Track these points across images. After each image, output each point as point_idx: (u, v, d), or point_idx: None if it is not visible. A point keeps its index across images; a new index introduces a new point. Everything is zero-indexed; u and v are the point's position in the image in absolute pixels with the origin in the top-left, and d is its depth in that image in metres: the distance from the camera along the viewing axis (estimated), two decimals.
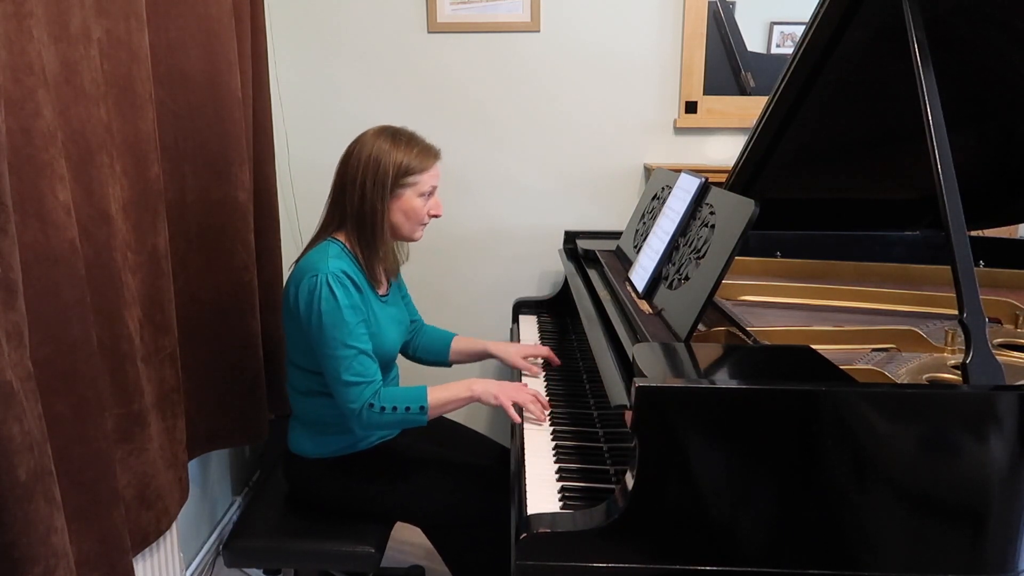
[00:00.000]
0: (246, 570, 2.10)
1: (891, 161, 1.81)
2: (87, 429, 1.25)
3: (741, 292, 1.71)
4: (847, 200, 1.97)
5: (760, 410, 1.02)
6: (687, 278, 1.38)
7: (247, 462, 2.44)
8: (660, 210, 1.73)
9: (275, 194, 2.16)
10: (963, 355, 1.05)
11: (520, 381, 1.74)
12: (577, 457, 1.40)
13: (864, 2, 1.38)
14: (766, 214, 1.27)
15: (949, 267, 1.10)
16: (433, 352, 1.91)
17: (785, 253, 1.92)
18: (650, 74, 2.45)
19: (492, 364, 1.90)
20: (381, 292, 1.67)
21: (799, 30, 2.30)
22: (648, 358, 1.15)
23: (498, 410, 1.58)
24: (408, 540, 2.27)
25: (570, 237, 2.31)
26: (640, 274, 1.61)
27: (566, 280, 2.13)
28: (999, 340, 1.39)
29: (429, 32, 2.43)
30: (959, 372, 1.09)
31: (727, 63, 2.45)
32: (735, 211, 1.31)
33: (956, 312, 1.08)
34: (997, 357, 1.04)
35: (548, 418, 1.56)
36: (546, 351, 1.86)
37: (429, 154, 1.59)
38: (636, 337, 1.34)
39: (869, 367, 1.25)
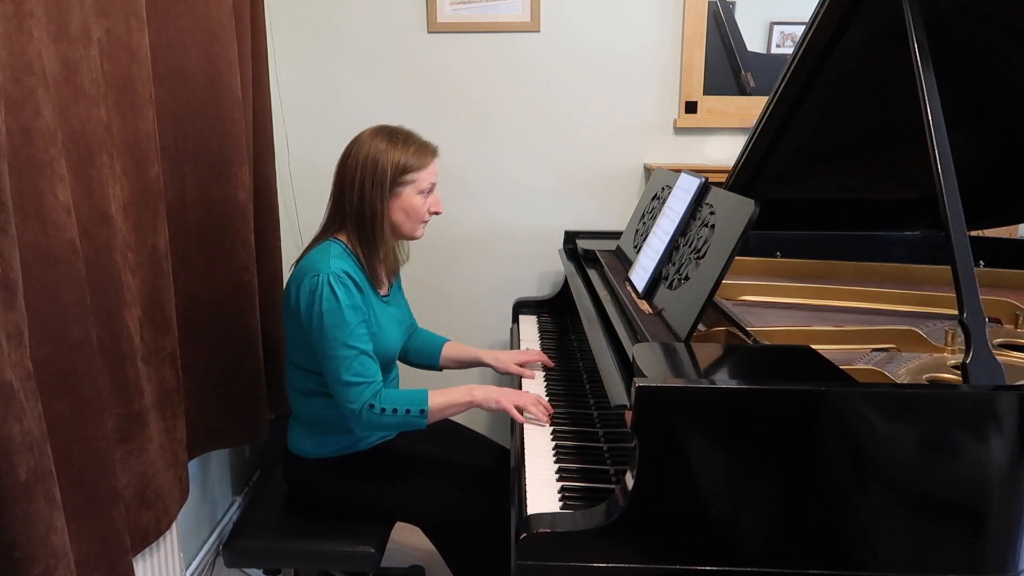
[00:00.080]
0: (246, 570, 2.10)
1: (891, 161, 1.81)
2: (87, 429, 1.25)
3: (741, 292, 1.71)
4: (847, 200, 1.97)
5: (760, 410, 1.02)
6: (687, 278, 1.38)
7: (247, 462, 2.44)
8: (660, 210, 1.73)
9: (275, 194, 2.16)
10: (963, 355, 1.05)
11: (520, 387, 1.73)
12: (577, 457, 1.40)
13: (864, 2, 1.38)
14: (766, 214, 1.27)
15: (949, 267, 1.10)
16: (424, 356, 1.91)
17: (785, 253, 1.92)
18: (650, 74, 2.45)
19: (492, 372, 1.91)
20: (382, 292, 1.67)
21: (799, 30, 2.30)
22: (648, 358, 1.15)
23: (498, 411, 1.58)
24: (408, 540, 2.27)
25: (570, 237, 2.31)
26: (640, 274, 1.61)
27: (566, 280, 2.13)
28: (999, 340, 1.39)
29: (429, 32, 2.43)
30: (959, 372, 1.09)
31: (727, 63, 2.45)
32: (735, 211, 1.31)
33: (956, 312, 1.08)
34: (997, 357, 1.04)
35: (548, 419, 1.56)
36: (538, 355, 1.86)
37: (426, 151, 1.59)
38: (636, 337, 1.34)
39: (869, 367, 1.25)
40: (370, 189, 1.54)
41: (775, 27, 2.42)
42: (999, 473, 1.01)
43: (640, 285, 1.56)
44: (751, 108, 2.41)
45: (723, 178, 1.86)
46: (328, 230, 1.63)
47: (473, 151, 2.51)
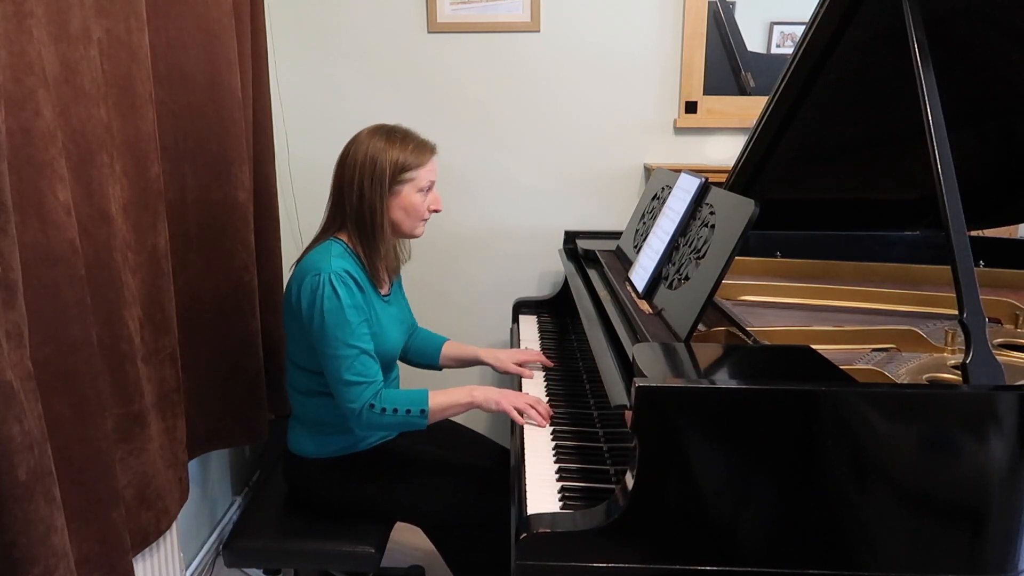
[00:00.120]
0: (246, 570, 2.10)
1: (891, 161, 1.81)
2: (87, 429, 1.25)
3: (741, 292, 1.71)
4: (847, 200, 1.97)
5: (760, 410, 1.02)
6: (687, 278, 1.38)
7: (247, 462, 2.44)
8: (660, 210, 1.73)
9: (275, 194, 2.16)
10: (963, 355, 1.05)
11: (520, 388, 1.73)
12: (577, 457, 1.40)
13: (864, 2, 1.38)
14: (766, 214, 1.27)
15: (949, 267, 1.10)
16: (424, 355, 1.91)
17: (785, 253, 1.92)
18: (650, 74, 2.45)
19: (491, 370, 1.91)
20: (383, 292, 1.67)
21: (799, 30, 2.30)
22: (648, 358, 1.15)
23: (498, 412, 1.58)
24: (408, 540, 2.27)
25: (570, 237, 2.31)
26: (640, 274, 1.61)
27: (566, 280, 2.13)
28: (999, 340, 1.39)
29: (429, 32, 2.43)
30: (959, 372, 1.09)
31: (727, 63, 2.45)
32: (735, 211, 1.31)
33: (956, 312, 1.08)
34: (997, 357, 1.04)
35: (548, 420, 1.56)
36: (537, 355, 1.86)
37: (425, 149, 1.59)
38: (636, 337, 1.34)
39: (869, 367, 1.25)
40: (369, 188, 1.54)
41: (775, 27, 2.42)
42: (999, 473, 1.01)
43: (640, 285, 1.56)
44: (751, 108, 2.41)
45: (723, 178, 1.86)
46: (328, 230, 1.63)
47: (473, 151, 2.51)
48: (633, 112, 2.48)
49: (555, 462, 1.38)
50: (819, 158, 1.80)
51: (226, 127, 1.78)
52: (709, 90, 2.45)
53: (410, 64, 2.45)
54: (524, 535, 1.08)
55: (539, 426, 1.52)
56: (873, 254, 1.94)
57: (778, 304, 1.66)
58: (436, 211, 1.64)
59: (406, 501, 1.65)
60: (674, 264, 1.48)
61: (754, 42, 2.43)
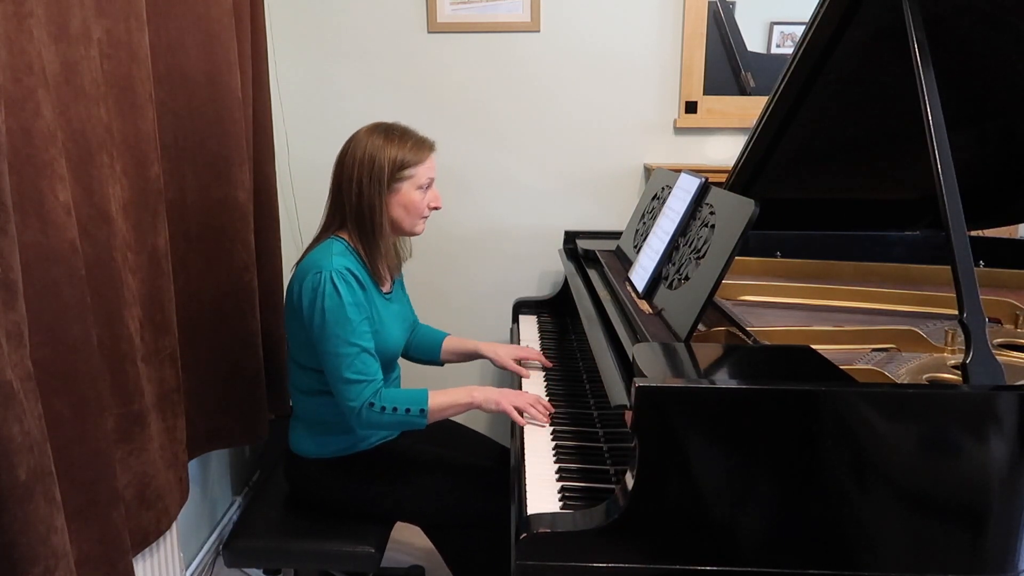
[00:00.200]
0: (246, 570, 2.10)
1: (891, 161, 1.81)
2: (87, 429, 1.25)
3: (741, 292, 1.71)
4: (847, 200, 1.97)
5: (760, 410, 1.02)
6: (687, 278, 1.38)
7: (247, 462, 2.44)
8: (660, 210, 1.73)
9: (275, 194, 2.16)
10: (963, 355, 1.05)
11: (520, 387, 1.73)
12: (577, 457, 1.40)
13: (864, 2, 1.38)
14: (766, 214, 1.27)
15: (949, 267, 1.10)
16: (425, 351, 1.91)
17: (785, 253, 1.92)
18: (650, 74, 2.45)
19: (491, 369, 1.90)
20: (385, 289, 1.67)
21: (799, 30, 2.30)
22: (648, 358, 1.15)
23: (498, 412, 1.58)
24: (408, 540, 2.27)
25: (570, 237, 2.31)
26: (640, 274, 1.61)
27: (566, 280, 2.13)
28: (999, 340, 1.39)
29: (429, 32, 2.43)
30: (959, 372, 1.08)
31: (727, 63, 2.45)
32: (735, 211, 1.31)
33: (956, 312, 1.08)
34: (997, 357, 1.04)
35: (548, 419, 1.56)
36: (536, 353, 1.86)
37: (423, 146, 1.59)
38: (636, 337, 1.34)
39: (869, 367, 1.25)
40: (368, 186, 1.55)
41: (775, 27, 2.42)
42: (999, 473, 1.01)
43: (640, 285, 1.56)
44: (751, 108, 2.41)
45: (723, 178, 1.86)
46: (329, 228, 1.63)
47: (473, 151, 2.51)
48: (633, 112, 2.48)
49: (555, 462, 1.38)
50: (819, 158, 1.81)
51: (226, 127, 1.78)
52: (709, 90, 2.45)
53: (410, 64, 2.45)
54: (524, 535, 1.08)
55: (540, 425, 1.52)
56: (873, 254, 1.94)
57: (778, 304, 1.66)
58: (436, 208, 1.64)
59: (406, 501, 1.65)
60: (674, 264, 1.48)
61: (754, 42, 2.43)
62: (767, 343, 1.26)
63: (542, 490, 1.28)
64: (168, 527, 1.58)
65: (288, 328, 1.65)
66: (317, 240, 1.64)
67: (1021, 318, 1.51)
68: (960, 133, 1.49)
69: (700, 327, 1.36)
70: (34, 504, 1.02)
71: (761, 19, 2.42)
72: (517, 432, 1.52)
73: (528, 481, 1.31)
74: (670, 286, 1.43)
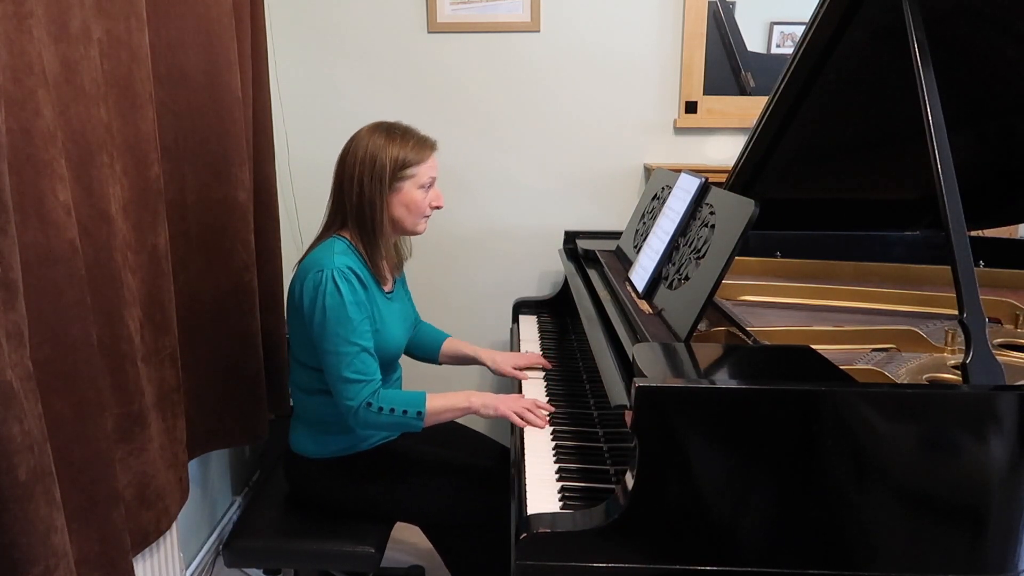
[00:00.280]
0: (246, 570, 2.10)
1: (891, 161, 1.81)
2: (87, 429, 1.25)
3: (741, 292, 1.71)
4: (847, 200, 1.97)
5: (760, 410, 1.02)
6: (687, 278, 1.38)
7: (247, 462, 2.44)
8: (660, 210, 1.73)
9: (275, 194, 2.16)
10: (963, 355, 1.05)
11: (520, 390, 1.73)
12: (577, 457, 1.40)
13: (864, 2, 1.38)
14: (766, 214, 1.27)
15: (949, 267, 1.10)
16: (424, 350, 1.92)
17: (785, 253, 1.92)
18: (650, 74, 2.45)
19: (493, 375, 1.91)
20: (387, 289, 1.67)
21: (799, 30, 2.30)
22: (648, 358, 1.15)
23: (496, 417, 1.58)
24: (408, 540, 2.27)
25: (570, 237, 2.31)
26: (640, 274, 1.61)
27: (566, 280, 2.13)
28: (999, 340, 1.39)
29: (429, 32, 2.43)
30: (959, 372, 1.09)
31: (727, 63, 2.45)
32: (735, 211, 1.31)
33: (956, 312, 1.08)
34: (997, 357, 1.04)
35: (548, 418, 1.56)
36: (536, 358, 1.86)
37: (425, 145, 1.59)
38: (636, 337, 1.34)
39: (869, 367, 1.25)
40: (369, 185, 1.55)
41: (775, 27, 2.42)
42: (999, 473, 1.01)
43: (640, 285, 1.56)
44: (751, 108, 2.41)
45: (723, 178, 1.86)
46: (330, 228, 1.63)
47: (473, 151, 2.51)
48: (633, 112, 2.48)
49: (555, 462, 1.38)
50: (819, 158, 1.81)
51: (226, 127, 1.78)
52: (709, 90, 2.45)
53: (410, 64, 2.45)
54: (524, 535, 1.09)
55: (539, 427, 1.52)
56: (873, 254, 1.94)
57: (778, 304, 1.66)
58: (438, 207, 1.64)
59: (406, 501, 1.65)
60: (674, 264, 1.48)
61: (754, 42, 2.43)
62: (767, 343, 1.26)
63: (542, 490, 1.28)
64: (168, 527, 1.58)
65: (290, 326, 1.65)
66: (319, 239, 1.64)
67: (1021, 318, 1.51)
68: (960, 133, 1.49)
69: (700, 327, 1.36)
70: (34, 504, 1.02)
71: (761, 19, 2.42)
72: (517, 432, 1.52)
73: (528, 481, 1.31)
74: (670, 286, 1.43)
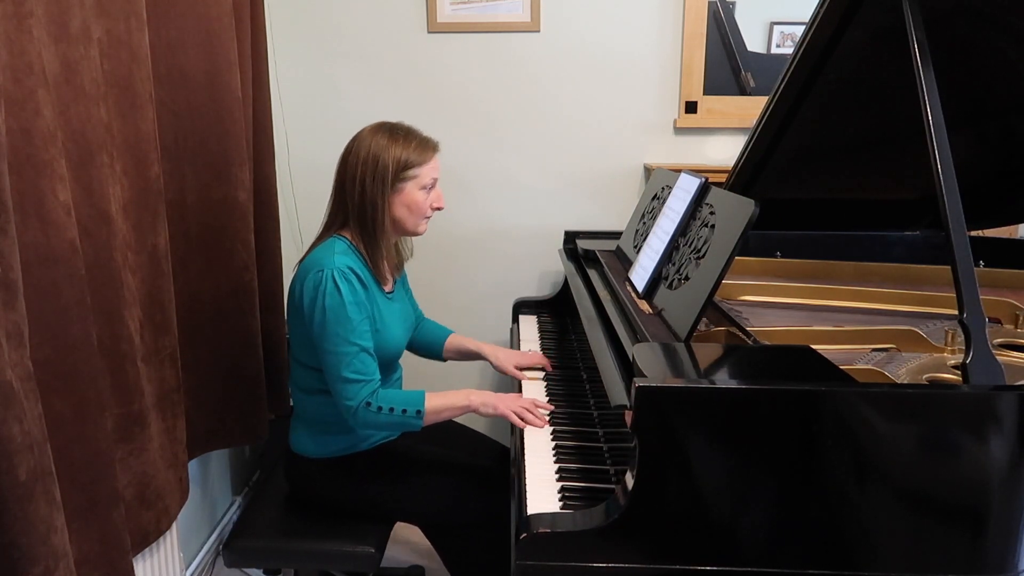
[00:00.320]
0: (246, 570, 2.10)
1: (891, 161, 1.81)
2: (87, 429, 1.25)
3: (741, 292, 1.71)
4: (847, 200, 1.97)
5: (760, 410, 1.02)
6: (687, 278, 1.38)
7: (247, 462, 2.44)
8: (660, 210, 1.73)
9: (275, 194, 2.16)
10: (963, 355, 1.05)
11: (519, 391, 1.73)
12: (577, 457, 1.40)
13: (864, 2, 1.38)
14: (766, 214, 1.27)
15: (949, 267, 1.10)
16: (428, 347, 1.92)
17: (785, 253, 1.92)
18: (650, 74, 2.45)
19: (491, 370, 1.91)
20: (387, 289, 1.67)
21: (799, 30, 2.30)
22: (648, 358, 1.15)
23: (496, 416, 1.58)
24: (408, 540, 2.27)
25: (570, 237, 2.31)
26: (640, 274, 1.61)
27: (566, 280, 2.13)
28: (999, 340, 1.39)
29: (429, 32, 2.43)
30: (959, 372, 1.09)
31: (727, 63, 2.45)
32: (735, 211, 1.31)
33: (956, 312, 1.08)
34: (997, 357, 1.04)
35: (548, 418, 1.56)
36: (539, 358, 1.86)
37: (427, 147, 1.59)
38: (636, 337, 1.34)
39: (869, 367, 1.25)
40: (371, 185, 1.55)
41: (775, 27, 2.42)
42: (999, 473, 1.01)
43: (640, 285, 1.56)
44: (751, 108, 2.41)
45: (723, 178, 1.86)
46: (331, 227, 1.63)
47: (473, 151, 2.51)
48: (633, 112, 2.48)
49: (555, 462, 1.38)
50: (819, 158, 1.81)
51: (226, 127, 1.78)
52: (709, 90, 2.45)
53: (410, 64, 2.45)
54: (524, 535, 1.08)
55: (538, 427, 1.52)
56: (873, 254, 1.94)
57: (778, 304, 1.66)
58: (439, 208, 1.64)
59: (406, 501, 1.65)
60: (674, 264, 1.48)
61: (754, 42, 2.43)
62: (767, 343, 1.26)
63: (542, 490, 1.28)
64: (168, 527, 1.58)
65: (290, 326, 1.65)
66: (320, 239, 1.64)
67: (1021, 318, 1.51)
68: (960, 133, 1.49)
69: (700, 327, 1.36)
70: (34, 504, 1.02)
71: (761, 19, 2.42)
72: (517, 432, 1.52)
73: (528, 481, 1.31)
74: (670, 286, 1.43)
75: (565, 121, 2.49)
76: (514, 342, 2.16)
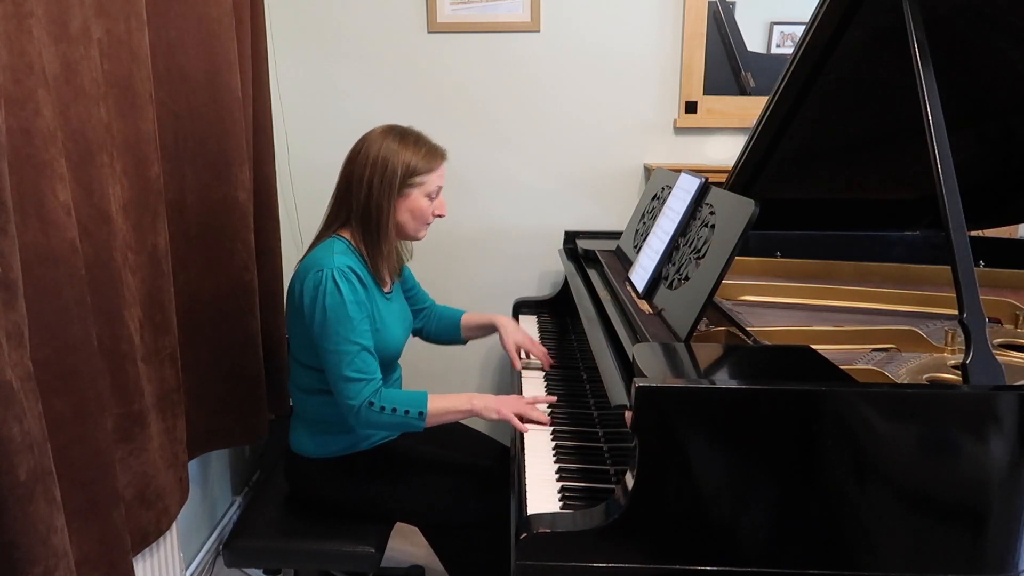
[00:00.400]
0: (246, 570, 2.10)
1: (891, 161, 1.81)
2: (87, 429, 1.25)
3: (741, 292, 1.71)
4: (847, 200, 1.97)
5: (760, 410, 1.02)
6: (687, 278, 1.38)
7: (247, 462, 2.44)
8: (660, 210, 1.73)
9: (275, 194, 2.16)
10: (963, 355, 1.05)
11: (520, 391, 1.73)
12: (577, 457, 1.40)
13: (864, 2, 1.38)
14: (766, 214, 1.27)
15: (949, 267, 1.10)
16: (446, 332, 1.94)
17: (785, 253, 1.92)
18: (650, 74, 2.45)
19: (491, 371, 1.91)
20: (386, 290, 1.67)
21: (799, 30, 2.30)
22: (648, 358, 1.15)
23: (498, 420, 1.58)
24: (408, 540, 2.27)
25: (570, 237, 2.31)
26: (640, 274, 1.61)
27: (566, 280, 2.13)
28: (999, 340, 1.39)
29: (429, 32, 2.43)
30: (959, 372, 1.09)
31: (727, 63, 2.45)
32: (735, 211, 1.31)
33: (956, 312, 1.08)
34: (997, 357, 1.04)
35: (549, 416, 1.56)
36: (543, 354, 1.86)
37: (436, 155, 1.60)
38: (636, 337, 1.34)
39: (869, 367, 1.25)
40: (378, 188, 1.55)
41: (775, 27, 2.42)
42: (999, 473, 1.01)
43: (640, 285, 1.56)
44: (751, 108, 2.41)
45: (723, 178, 1.86)
46: (331, 225, 1.63)
47: (473, 151, 2.51)
48: (633, 112, 2.48)
49: (555, 462, 1.38)
50: (819, 158, 1.81)
51: (226, 127, 1.78)
52: (709, 90, 2.45)
53: (410, 64, 2.45)
54: (524, 535, 1.08)
55: (542, 427, 1.52)
56: (873, 254, 1.94)
57: (778, 304, 1.66)
58: (440, 216, 1.65)
59: (406, 501, 1.65)
60: (674, 264, 1.48)
61: (754, 42, 2.43)
62: (767, 343, 1.26)
63: (542, 490, 1.28)
64: (168, 527, 1.58)
65: (290, 326, 1.65)
66: (319, 238, 1.64)
67: (1021, 318, 1.51)
68: (960, 133, 1.49)
69: (700, 327, 1.36)
70: (34, 504, 1.02)
71: (761, 19, 2.42)
72: (517, 432, 1.52)
73: (528, 481, 1.31)
74: (670, 286, 1.43)
75: (565, 121, 2.49)
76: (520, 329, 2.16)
